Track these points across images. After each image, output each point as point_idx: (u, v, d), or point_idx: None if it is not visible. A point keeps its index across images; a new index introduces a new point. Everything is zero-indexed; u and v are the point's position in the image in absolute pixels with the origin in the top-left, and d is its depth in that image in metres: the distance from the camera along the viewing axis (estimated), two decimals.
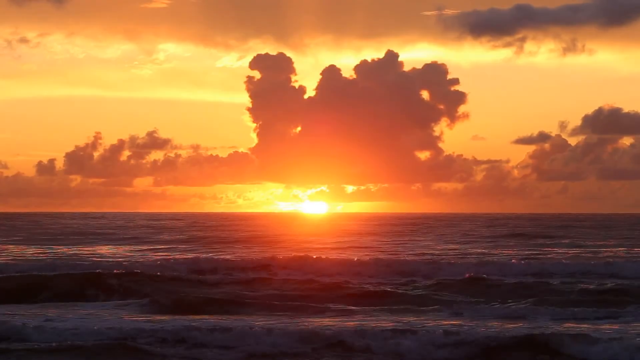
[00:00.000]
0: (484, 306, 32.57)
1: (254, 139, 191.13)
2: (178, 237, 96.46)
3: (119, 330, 26.14)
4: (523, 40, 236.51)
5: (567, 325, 27.65)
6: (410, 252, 65.82)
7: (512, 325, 27.45)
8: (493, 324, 27.94)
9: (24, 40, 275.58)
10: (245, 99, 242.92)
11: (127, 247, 73.62)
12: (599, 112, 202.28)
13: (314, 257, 51.77)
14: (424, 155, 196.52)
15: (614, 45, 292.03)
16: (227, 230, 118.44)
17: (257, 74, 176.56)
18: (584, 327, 27.16)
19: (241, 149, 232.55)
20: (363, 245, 77.98)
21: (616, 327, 27.06)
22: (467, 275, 42.12)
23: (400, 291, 38.14)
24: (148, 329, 26.36)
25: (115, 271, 42.18)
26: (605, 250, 68.46)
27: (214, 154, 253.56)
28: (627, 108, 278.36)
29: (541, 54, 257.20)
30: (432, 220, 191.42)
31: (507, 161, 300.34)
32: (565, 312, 30.47)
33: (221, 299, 34.01)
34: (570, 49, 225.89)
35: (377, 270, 47.00)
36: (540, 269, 47.84)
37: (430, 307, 32.16)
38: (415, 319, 29.28)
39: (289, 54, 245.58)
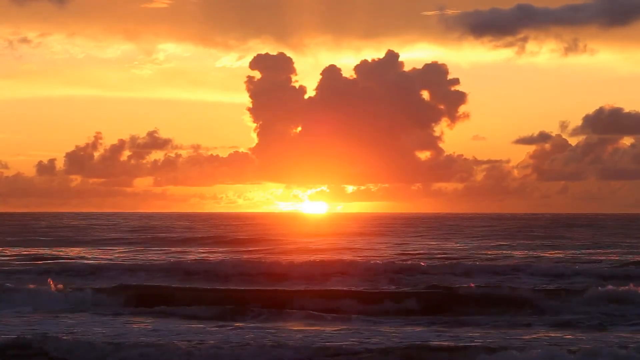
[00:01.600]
0: None
1: (254, 139, 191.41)
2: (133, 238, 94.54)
3: None
4: (524, 40, 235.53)
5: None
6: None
7: None
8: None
9: (24, 40, 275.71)
10: (245, 99, 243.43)
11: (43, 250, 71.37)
12: (600, 112, 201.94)
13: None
14: (424, 155, 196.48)
15: (615, 45, 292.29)
16: (198, 231, 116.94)
17: (257, 74, 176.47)
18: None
19: (241, 149, 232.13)
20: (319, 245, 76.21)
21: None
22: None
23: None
24: None
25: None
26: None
27: (214, 154, 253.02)
28: (627, 108, 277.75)
29: (542, 54, 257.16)
30: (428, 220, 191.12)
31: (508, 161, 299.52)
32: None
33: None
34: (571, 49, 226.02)
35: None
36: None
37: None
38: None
39: (289, 54, 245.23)
